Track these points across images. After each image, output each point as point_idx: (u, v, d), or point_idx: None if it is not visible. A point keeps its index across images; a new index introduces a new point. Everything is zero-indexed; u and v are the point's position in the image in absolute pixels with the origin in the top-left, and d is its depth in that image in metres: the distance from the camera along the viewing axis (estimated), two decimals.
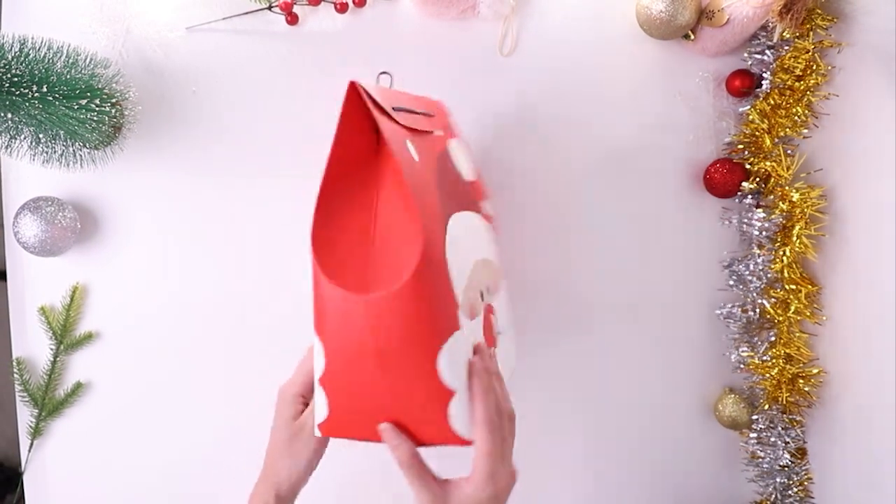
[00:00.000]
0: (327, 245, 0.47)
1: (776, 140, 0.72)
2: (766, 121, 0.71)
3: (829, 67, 0.71)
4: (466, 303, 0.50)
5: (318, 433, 0.51)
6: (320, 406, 0.50)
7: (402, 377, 0.47)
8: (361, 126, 0.50)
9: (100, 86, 0.62)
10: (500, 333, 0.59)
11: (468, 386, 0.48)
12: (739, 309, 0.75)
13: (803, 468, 0.75)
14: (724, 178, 0.73)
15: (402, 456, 0.48)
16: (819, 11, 0.69)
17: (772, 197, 0.72)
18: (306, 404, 0.54)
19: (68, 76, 0.59)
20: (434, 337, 0.46)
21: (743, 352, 0.75)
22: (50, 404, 0.73)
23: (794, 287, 0.72)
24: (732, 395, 0.76)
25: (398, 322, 0.45)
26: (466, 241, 0.52)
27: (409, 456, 0.48)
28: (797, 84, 0.70)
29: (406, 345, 0.46)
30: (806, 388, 0.74)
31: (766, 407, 0.75)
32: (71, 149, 0.63)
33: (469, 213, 0.56)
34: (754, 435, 0.75)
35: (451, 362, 0.47)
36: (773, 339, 0.74)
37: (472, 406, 0.48)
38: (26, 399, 0.73)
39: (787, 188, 0.71)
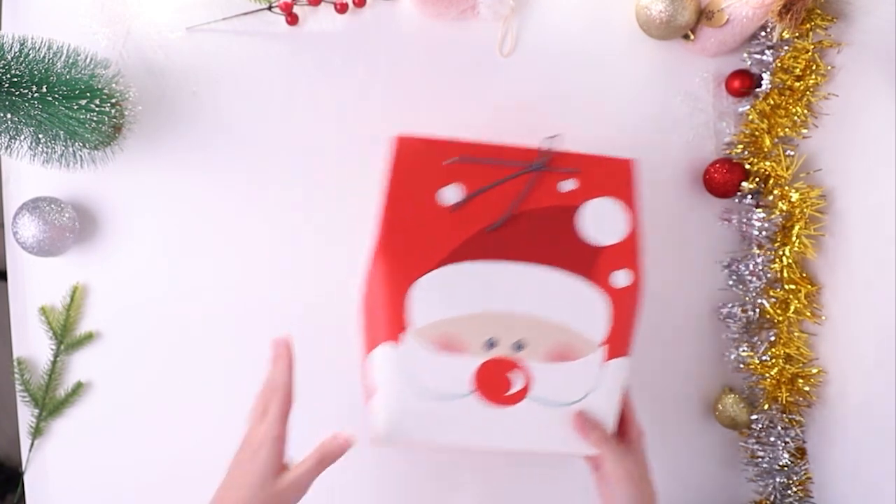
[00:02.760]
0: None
1: (776, 140, 0.72)
2: (765, 121, 0.72)
3: (829, 67, 0.71)
4: (436, 333, 0.56)
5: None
6: None
7: (364, 352, 0.62)
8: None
9: (100, 86, 0.62)
10: (535, 399, 0.58)
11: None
12: (739, 309, 0.75)
13: (802, 468, 0.75)
14: (723, 178, 0.73)
15: (598, 439, 0.58)
16: (819, 11, 0.69)
17: (771, 197, 0.73)
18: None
19: (68, 76, 0.59)
20: (377, 333, 0.58)
21: (743, 351, 0.75)
22: (50, 404, 0.73)
23: (793, 287, 0.72)
24: (732, 395, 0.76)
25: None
26: (489, 285, 0.57)
27: (602, 438, 0.58)
28: (797, 84, 0.70)
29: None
30: (805, 388, 0.74)
31: (766, 407, 0.75)
32: (71, 149, 0.63)
33: (543, 267, 0.58)
34: (754, 435, 0.75)
35: (379, 364, 0.57)
36: (772, 338, 0.74)
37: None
38: (27, 399, 0.73)
39: (786, 188, 0.71)
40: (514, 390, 0.57)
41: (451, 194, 0.59)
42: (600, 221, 0.60)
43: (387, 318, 0.57)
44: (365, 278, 0.61)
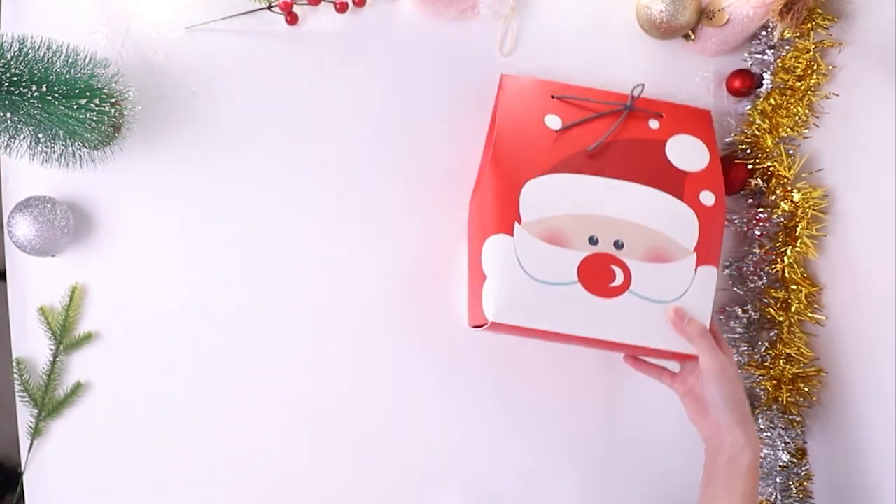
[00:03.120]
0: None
1: (777, 140, 0.72)
2: (767, 121, 0.71)
3: (830, 67, 0.71)
4: (543, 227, 0.63)
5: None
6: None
7: (473, 248, 0.69)
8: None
9: (99, 85, 0.61)
10: (634, 293, 0.63)
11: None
12: (740, 309, 0.75)
13: (803, 468, 0.75)
14: (725, 178, 0.72)
15: (695, 331, 0.61)
16: (819, 11, 0.69)
17: (773, 197, 0.72)
18: None
19: (68, 76, 0.58)
20: (488, 226, 0.63)
21: (743, 352, 0.75)
22: (50, 404, 0.73)
23: (795, 287, 0.72)
24: None
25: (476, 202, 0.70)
26: (590, 193, 0.64)
27: (700, 331, 0.61)
28: (798, 84, 0.70)
29: (475, 224, 0.70)
30: (806, 389, 0.74)
31: (766, 407, 0.75)
32: (70, 148, 0.63)
33: (638, 185, 0.65)
34: None
35: (491, 252, 0.63)
36: (773, 339, 0.74)
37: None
38: (26, 399, 0.73)
39: (788, 188, 0.71)
40: (615, 283, 0.63)
41: (552, 122, 0.67)
42: (685, 153, 0.67)
43: (499, 213, 0.63)
44: (475, 187, 0.70)
